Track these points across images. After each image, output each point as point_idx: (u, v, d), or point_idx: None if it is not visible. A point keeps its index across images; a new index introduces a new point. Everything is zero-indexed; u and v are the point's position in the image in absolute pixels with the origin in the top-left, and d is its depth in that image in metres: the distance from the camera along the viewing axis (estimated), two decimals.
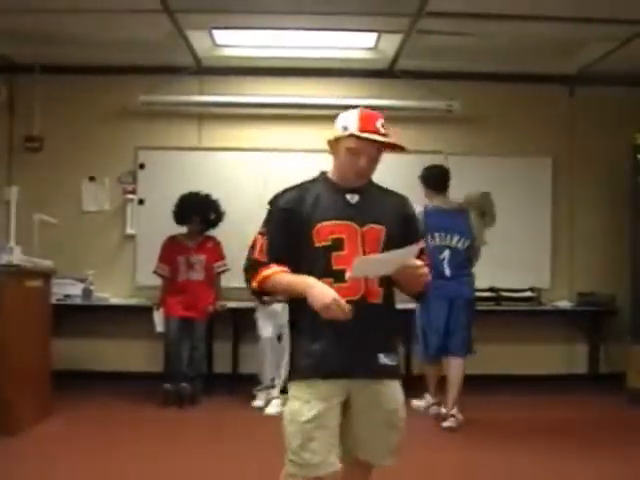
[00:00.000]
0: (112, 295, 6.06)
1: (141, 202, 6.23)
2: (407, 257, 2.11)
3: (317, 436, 2.10)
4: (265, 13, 5.05)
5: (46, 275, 4.85)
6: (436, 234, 4.80)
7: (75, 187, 6.23)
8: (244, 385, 5.55)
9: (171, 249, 5.58)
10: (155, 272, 5.59)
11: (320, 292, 2.06)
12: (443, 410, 4.88)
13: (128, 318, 5.99)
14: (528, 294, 6.11)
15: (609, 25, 5.05)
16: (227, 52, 5.94)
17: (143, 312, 5.65)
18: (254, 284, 2.23)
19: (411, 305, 5.75)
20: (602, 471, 3.77)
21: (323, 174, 2.34)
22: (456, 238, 4.86)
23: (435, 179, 4.99)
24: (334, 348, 2.15)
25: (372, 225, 2.22)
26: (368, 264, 2.12)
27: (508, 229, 6.19)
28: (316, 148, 5.56)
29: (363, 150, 2.19)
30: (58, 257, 5.21)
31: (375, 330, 2.20)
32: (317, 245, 2.18)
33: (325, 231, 2.18)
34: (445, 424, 4.69)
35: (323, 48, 5.84)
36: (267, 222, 2.28)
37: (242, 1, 4.83)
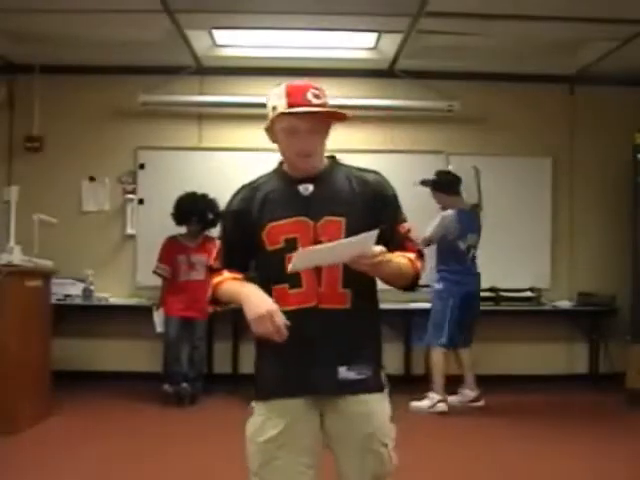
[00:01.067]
0: (112, 295, 6.06)
1: (141, 202, 6.23)
2: (363, 245, 1.77)
3: (281, 455, 1.89)
4: (265, 13, 5.05)
5: (46, 275, 4.85)
6: (468, 235, 5.14)
7: (75, 187, 6.23)
8: (244, 385, 5.54)
9: (171, 249, 5.58)
10: (155, 272, 5.58)
11: (255, 303, 1.85)
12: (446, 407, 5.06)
13: (128, 318, 5.98)
14: (528, 294, 6.11)
15: (609, 25, 5.05)
16: (227, 52, 5.94)
17: (143, 312, 5.64)
18: (209, 292, 2.08)
19: (412, 305, 5.79)
20: (602, 471, 3.77)
21: (280, 165, 2.07)
22: (475, 236, 5.25)
23: (453, 183, 5.28)
24: (288, 364, 1.92)
25: (328, 218, 1.92)
26: (313, 255, 1.82)
27: (508, 229, 6.21)
28: None
29: (298, 127, 1.90)
30: (58, 257, 5.21)
31: (335, 340, 1.91)
32: (269, 249, 1.95)
33: (276, 232, 1.94)
34: (480, 403, 5.17)
35: (323, 48, 5.84)
36: (221, 226, 2.14)
37: (242, 1, 4.83)
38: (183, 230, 5.61)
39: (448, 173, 5.39)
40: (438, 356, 5.14)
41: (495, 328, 6.17)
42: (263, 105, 2.01)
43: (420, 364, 6.03)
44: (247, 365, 5.88)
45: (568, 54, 5.81)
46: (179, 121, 6.27)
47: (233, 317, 5.92)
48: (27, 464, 3.77)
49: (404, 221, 2.02)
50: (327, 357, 1.91)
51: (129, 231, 6.23)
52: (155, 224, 5.86)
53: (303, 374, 1.91)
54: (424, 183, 5.23)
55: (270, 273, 1.96)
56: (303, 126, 1.90)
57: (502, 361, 6.15)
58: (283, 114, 1.90)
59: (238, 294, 1.94)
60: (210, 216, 5.54)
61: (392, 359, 5.95)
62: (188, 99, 6.20)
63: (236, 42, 5.78)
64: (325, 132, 1.98)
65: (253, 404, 2.03)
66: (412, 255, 1.98)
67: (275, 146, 2.02)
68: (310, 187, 1.96)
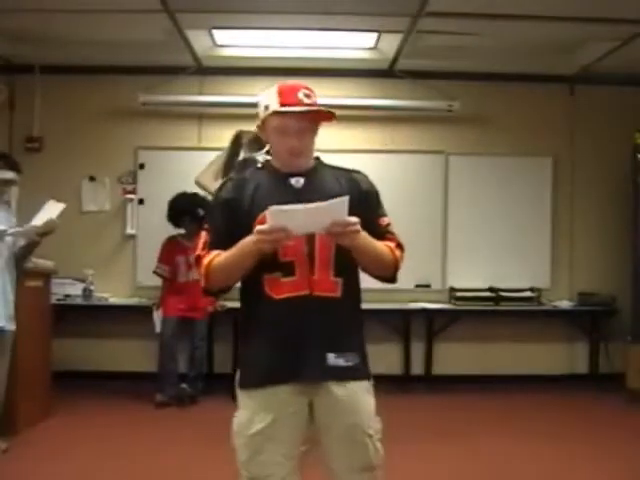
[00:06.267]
0: (112, 295, 6.06)
1: (141, 202, 6.23)
2: (337, 212, 1.83)
3: (267, 448, 1.91)
4: (265, 13, 5.05)
5: (46, 275, 4.85)
6: None
7: (75, 187, 6.23)
8: None
9: (171, 249, 5.58)
10: (155, 272, 5.58)
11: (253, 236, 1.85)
12: None
13: (128, 318, 5.98)
14: (528, 294, 6.10)
15: (609, 25, 5.04)
16: (227, 52, 5.94)
17: (143, 312, 5.64)
18: (202, 283, 2.01)
19: (412, 305, 5.76)
20: (602, 471, 3.77)
21: (266, 162, 2.15)
22: None
23: None
24: (279, 351, 1.93)
25: None
26: (287, 215, 1.82)
27: (508, 229, 6.21)
28: (316, 148, 5.59)
29: (289, 126, 1.97)
30: (58, 257, 5.20)
31: (325, 327, 1.94)
32: None
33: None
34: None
35: (323, 48, 5.83)
36: (209, 216, 2.15)
37: (242, 1, 4.83)
38: (183, 230, 5.61)
39: None
40: None
41: (495, 328, 6.18)
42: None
43: (419, 364, 6.03)
44: None
45: (568, 54, 5.80)
46: (179, 121, 6.27)
47: (233, 317, 5.93)
48: (27, 464, 3.77)
49: (384, 215, 2.11)
50: (317, 344, 1.94)
51: (129, 231, 6.22)
52: (155, 224, 5.85)
53: (293, 361, 1.93)
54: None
55: (262, 261, 1.92)
56: (295, 126, 1.98)
57: (502, 361, 6.14)
58: (276, 113, 1.97)
59: (237, 247, 1.91)
60: (201, 213, 5.50)
61: (391, 359, 5.95)
62: (188, 99, 6.20)
63: (236, 42, 5.78)
64: (315, 131, 2.07)
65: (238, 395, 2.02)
66: (392, 244, 2.06)
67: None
68: (301, 180, 2.03)
